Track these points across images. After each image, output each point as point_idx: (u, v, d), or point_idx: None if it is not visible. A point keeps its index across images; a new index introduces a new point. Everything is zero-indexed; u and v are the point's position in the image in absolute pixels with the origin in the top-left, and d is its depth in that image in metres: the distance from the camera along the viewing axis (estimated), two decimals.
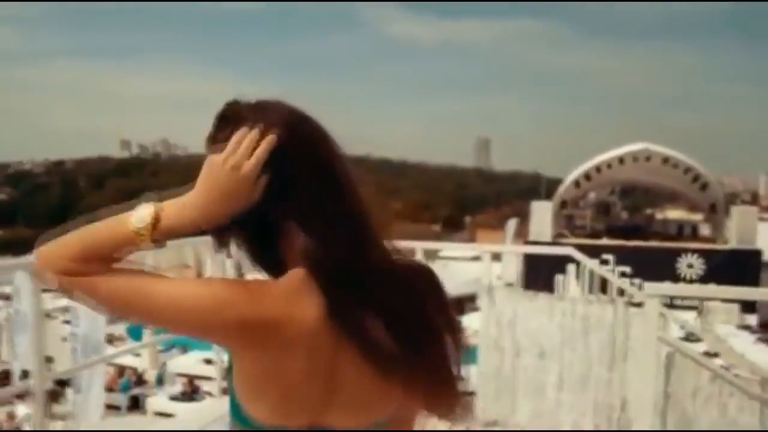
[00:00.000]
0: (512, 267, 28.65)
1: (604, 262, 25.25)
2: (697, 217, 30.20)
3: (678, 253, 24.48)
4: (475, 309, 16.66)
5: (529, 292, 4.85)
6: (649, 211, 38.67)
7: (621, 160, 25.93)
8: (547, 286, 24.56)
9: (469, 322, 15.49)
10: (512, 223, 33.75)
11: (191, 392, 17.11)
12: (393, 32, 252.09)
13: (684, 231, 29.44)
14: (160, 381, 20.08)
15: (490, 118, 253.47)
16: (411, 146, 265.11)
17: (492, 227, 69.66)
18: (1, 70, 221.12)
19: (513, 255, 31.54)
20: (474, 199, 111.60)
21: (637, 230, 28.19)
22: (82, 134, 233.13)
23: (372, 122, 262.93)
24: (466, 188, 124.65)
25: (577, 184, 27.86)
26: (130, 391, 19.08)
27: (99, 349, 14.61)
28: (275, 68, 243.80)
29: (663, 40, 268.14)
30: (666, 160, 25.53)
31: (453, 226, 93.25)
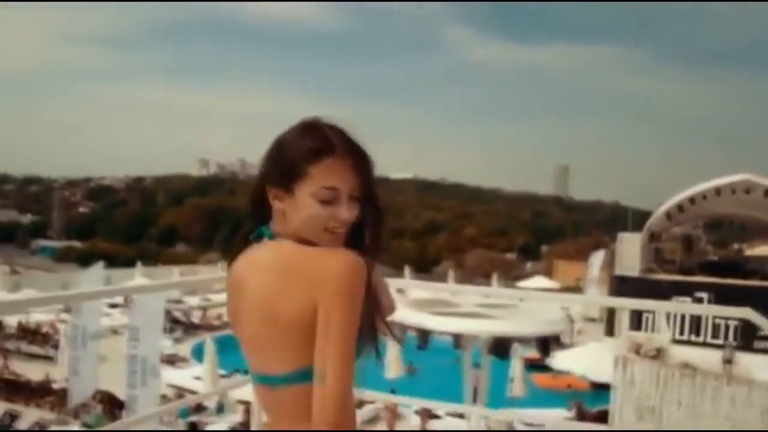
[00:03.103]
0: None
1: (698, 300, 23.41)
2: None
3: None
4: (561, 348, 15.28)
5: (682, 368, 3.52)
6: (736, 246, 36.47)
7: (717, 191, 23.94)
8: (634, 325, 22.76)
9: (558, 362, 13.90)
10: (599, 256, 31.95)
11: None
12: (473, 56, 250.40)
13: None
14: (221, 408, 19.21)
15: (570, 145, 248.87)
16: (486, 172, 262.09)
17: (570, 257, 67.62)
18: (87, 87, 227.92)
19: (597, 290, 29.98)
20: (551, 228, 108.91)
21: (734, 268, 26.13)
22: (163, 152, 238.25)
23: (447, 146, 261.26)
24: (543, 216, 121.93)
25: (668, 216, 25.98)
26: (187, 418, 18.26)
27: (156, 371, 13.62)
28: (351, 90, 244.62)
29: (752, 69, 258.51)
30: None
31: (529, 255, 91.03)
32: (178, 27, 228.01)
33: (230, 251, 1.70)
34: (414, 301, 12.60)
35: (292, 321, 1.52)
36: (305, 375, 1.51)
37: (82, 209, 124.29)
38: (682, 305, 10.90)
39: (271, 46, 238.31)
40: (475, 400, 18.97)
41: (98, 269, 15.40)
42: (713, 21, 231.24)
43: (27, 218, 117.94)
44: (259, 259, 1.61)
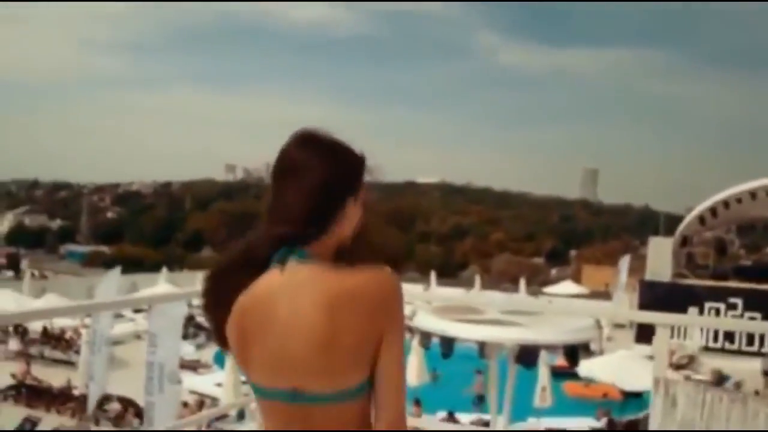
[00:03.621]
0: (624, 308, 26.61)
1: (732, 306, 22.76)
2: None
3: None
4: (589, 355, 14.80)
5: (723, 391, 3.13)
6: None
7: (753, 194, 23.22)
8: None
9: (587, 371, 13.36)
10: (628, 260, 31.34)
11: None
12: (500, 61, 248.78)
13: None
14: (241, 415, 18.94)
15: (598, 149, 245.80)
16: (514, 176, 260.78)
17: (598, 262, 66.95)
18: (115, 95, 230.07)
19: (625, 295, 29.38)
20: (579, 233, 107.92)
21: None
22: (190, 157, 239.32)
23: (474, 151, 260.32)
24: (571, 221, 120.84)
25: (701, 219, 25.31)
26: (209, 425, 18.01)
27: (174, 377, 13.34)
28: (377, 95, 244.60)
29: None
30: None
31: (557, 260, 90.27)
32: (203, 33, 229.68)
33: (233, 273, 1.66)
34: (438, 307, 12.20)
35: (355, 346, 1.56)
36: (355, 392, 1.57)
37: (110, 214, 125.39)
38: (719, 320, 10.43)
39: (297, 51, 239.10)
40: (480, 408, 18.60)
41: (115, 275, 15.16)
42: (742, 21, 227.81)
43: (56, 223, 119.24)
44: (299, 283, 1.59)
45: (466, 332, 11.28)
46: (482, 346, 11.45)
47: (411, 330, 14.34)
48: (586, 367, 14.67)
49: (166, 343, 13.11)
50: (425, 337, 12.14)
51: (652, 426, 3.22)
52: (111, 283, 14.88)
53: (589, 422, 16.90)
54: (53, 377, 20.72)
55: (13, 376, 20.52)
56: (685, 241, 27.07)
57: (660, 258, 25.89)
